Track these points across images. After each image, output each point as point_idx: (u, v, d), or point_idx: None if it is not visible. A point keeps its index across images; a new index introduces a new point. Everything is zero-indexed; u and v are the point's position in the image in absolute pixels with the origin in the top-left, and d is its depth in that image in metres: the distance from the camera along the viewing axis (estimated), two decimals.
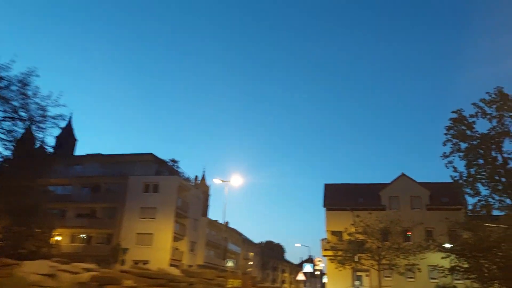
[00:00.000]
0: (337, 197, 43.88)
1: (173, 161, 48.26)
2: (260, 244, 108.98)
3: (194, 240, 51.80)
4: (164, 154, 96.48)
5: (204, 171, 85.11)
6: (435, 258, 36.28)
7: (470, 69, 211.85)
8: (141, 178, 47.12)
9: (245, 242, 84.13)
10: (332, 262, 38.39)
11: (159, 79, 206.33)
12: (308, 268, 31.51)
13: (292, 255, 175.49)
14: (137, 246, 44.17)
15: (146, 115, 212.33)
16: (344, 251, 37.19)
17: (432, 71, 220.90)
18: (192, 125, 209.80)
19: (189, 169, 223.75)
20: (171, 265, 42.77)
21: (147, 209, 45.64)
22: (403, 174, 42.48)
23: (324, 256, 41.01)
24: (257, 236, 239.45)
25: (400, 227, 35.82)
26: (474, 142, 27.00)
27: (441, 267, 25.66)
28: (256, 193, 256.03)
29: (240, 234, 77.98)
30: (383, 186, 43.04)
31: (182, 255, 48.07)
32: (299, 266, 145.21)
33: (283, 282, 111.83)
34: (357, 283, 35.69)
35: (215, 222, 59.48)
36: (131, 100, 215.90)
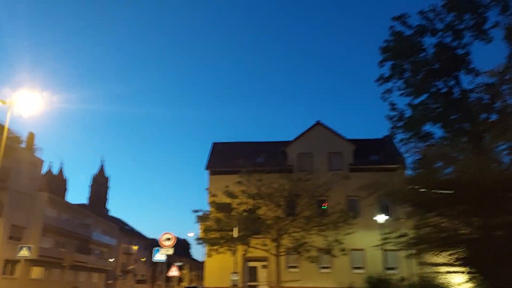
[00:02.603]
0: (227, 157, 30.41)
1: None
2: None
3: (21, 223, 35.04)
4: None
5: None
6: (362, 238, 24.62)
7: None
8: None
9: (127, 233, 67.72)
10: (210, 251, 24.75)
11: None
12: (159, 256, 17.87)
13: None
14: None
15: None
16: (221, 227, 23.68)
17: None
18: None
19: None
20: None
21: None
22: (318, 123, 30.14)
23: (202, 240, 27.36)
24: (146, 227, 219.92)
25: (312, 194, 23.36)
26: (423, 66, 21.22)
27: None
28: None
29: (117, 222, 61.47)
30: (290, 143, 30.46)
31: None
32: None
33: (180, 280, 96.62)
34: (234, 277, 22.40)
35: (63, 201, 42.90)
36: None
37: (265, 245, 22.63)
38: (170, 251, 16.58)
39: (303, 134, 30.02)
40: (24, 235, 35.52)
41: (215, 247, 22.96)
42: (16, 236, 34.28)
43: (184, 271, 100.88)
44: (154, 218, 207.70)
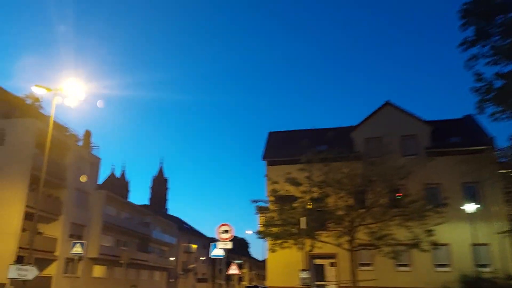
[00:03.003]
0: (285, 147, 28.03)
1: (34, 98, 30.99)
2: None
3: (80, 222, 34.92)
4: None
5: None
6: (446, 231, 21.29)
7: None
8: None
9: (185, 232, 67.42)
10: (273, 246, 22.44)
11: None
12: (217, 251, 15.91)
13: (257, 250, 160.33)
14: None
15: None
16: (283, 220, 21.20)
17: None
18: None
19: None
20: (18, 257, 26.10)
21: None
22: (387, 103, 26.83)
23: (263, 234, 25.19)
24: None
25: (388, 179, 20.29)
26: None
27: None
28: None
29: (176, 221, 61.21)
30: (356, 127, 27.43)
31: (55, 243, 31.26)
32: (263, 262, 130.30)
33: (240, 279, 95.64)
34: (304, 275, 19.69)
35: (122, 199, 42.65)
36: None
37: (336, 239, 19.93)
38: (229, 245, 14.50)
39: (370, 116, 26.86)
40: (84, 233, 35.40)
41: (279, 241, 20.63)
42: (76, 235, 34.16)
43: (244, 270, 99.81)
44: (211, 217, 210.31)
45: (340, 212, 19.73)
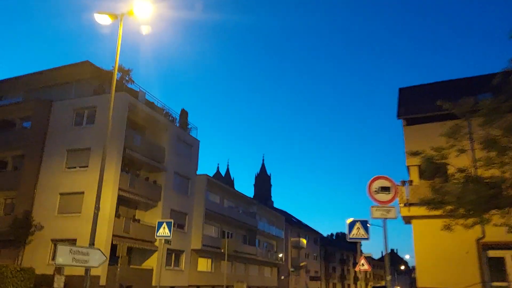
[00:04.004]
0: (425, 101, 20.76)
1: (124, 71, 27.96)
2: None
3: (181, 209, 31.48)
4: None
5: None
6: None
7: None
8: (71, 102, 27.81)
9: (294, 225, 62.18)
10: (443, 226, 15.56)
11: None
12: (359, 231, 10.01)
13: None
14: (61, 216, 24.96)
15: None
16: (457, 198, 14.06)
17: None
18: None
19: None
20: (112, 246, 23.14)
21: (78, 152, 26.18)
22: None
23: (407, 219, 18.36)
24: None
25: None
26: None
27: None
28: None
29: (283, 215, 56.17)
30: None
31: (154, 233, 28.05)
32: (382, 260, 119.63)
33: (356, 279, 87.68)
34: None
35: (225, 186, 38.60)
36: None
37: None
38: (392, 213, 8.36)
39: None
40: (186, 222, 31.97)
41: (448, 222, 13.70)
42: (177, 223, 30.82)
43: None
44: (319, 212, 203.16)
45: None
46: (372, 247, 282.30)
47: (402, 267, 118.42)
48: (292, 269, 57.52)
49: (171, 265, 29.62)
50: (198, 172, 34.74)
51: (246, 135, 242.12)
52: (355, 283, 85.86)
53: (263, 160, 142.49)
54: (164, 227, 14.27)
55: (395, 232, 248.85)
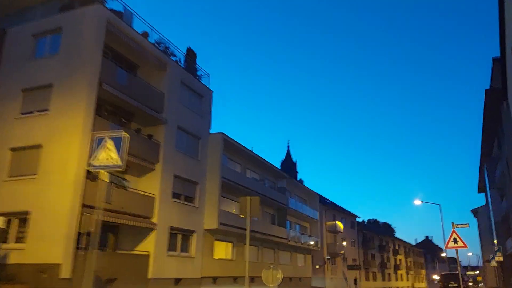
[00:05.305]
0: None
1: None
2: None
3: (189, 176, 23.58)
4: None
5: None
6: None
7: None
8: (30, 26, 20.08)
9: (328, 207, 53.80)
10: None
11: None
12: None
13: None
14: (11, 180, 17.37)
15: None
16: None
17: None
18: None
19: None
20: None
21: (36, 91, 18.47)
22: None
23: None
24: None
25: None
26: None
27: None
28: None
29: (315, 193, 47.59)
30: None
31: (152, 205, 20.22)
32: (418, 247, 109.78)
33: (396, 268, 78.68)
34: None
35: (246, 150, 30.14)
36: None
37: None
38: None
39: None
40: (197, 194, 24.08)
41: None
42: (184, 194, 23.01)
43: (400, 256, 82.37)
44: (346, 198, 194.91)
45: None
46: (406, 234, 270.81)
47: (443, 254, 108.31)
48: (328, 257, 49.31)
49: (175, 250, 21.81)
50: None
51: (270, 122, 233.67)
52: (395, 272, 76.95)
53: (288, 146, 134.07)
54: (106, 147, 6.21)
55: (428, 218, 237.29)
